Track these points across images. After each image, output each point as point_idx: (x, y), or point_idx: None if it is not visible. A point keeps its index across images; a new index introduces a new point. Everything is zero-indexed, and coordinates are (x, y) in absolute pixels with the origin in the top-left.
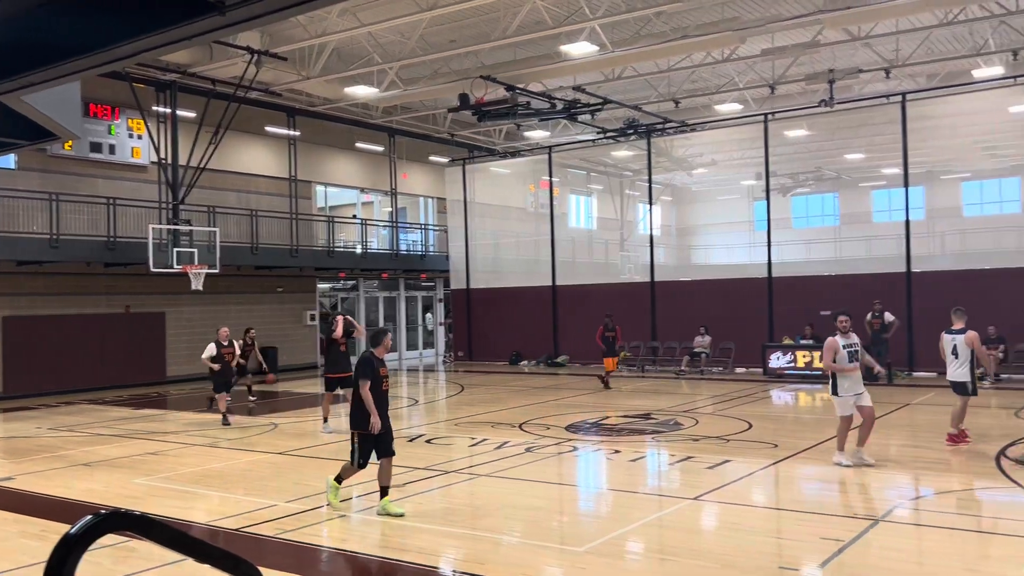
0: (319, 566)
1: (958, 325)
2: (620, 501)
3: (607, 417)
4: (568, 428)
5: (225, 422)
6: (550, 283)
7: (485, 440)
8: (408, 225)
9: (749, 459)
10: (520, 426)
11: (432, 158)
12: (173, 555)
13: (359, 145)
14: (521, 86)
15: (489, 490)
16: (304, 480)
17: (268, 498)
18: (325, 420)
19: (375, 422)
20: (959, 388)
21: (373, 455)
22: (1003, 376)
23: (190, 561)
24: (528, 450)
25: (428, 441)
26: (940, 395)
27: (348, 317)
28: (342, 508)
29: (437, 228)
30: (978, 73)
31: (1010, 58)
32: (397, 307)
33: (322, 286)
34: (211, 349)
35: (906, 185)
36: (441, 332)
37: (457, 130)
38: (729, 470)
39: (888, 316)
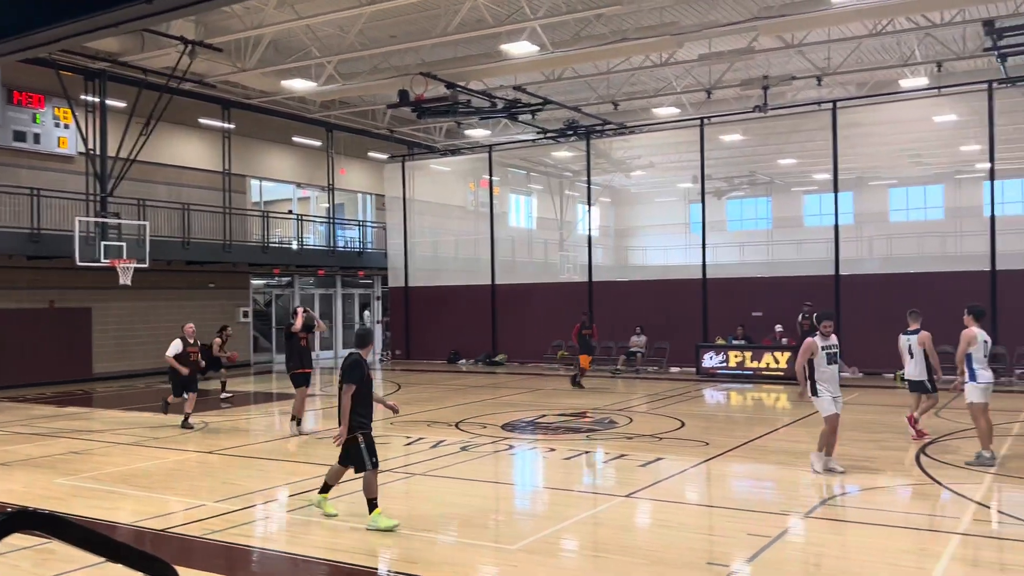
0: (250, 567)
1: (913, 326)
2: (554, 499)
3: (543, 416)
4: (504, 427)
5: (186, 424)
6: (489, 282)
7: (421, 439)
8: (346, 221)
9: (681, 457)
10: (456, 425)
11: (371, 154)
12: (95, 557)
13: (296, 139)
14: (462, 84)
15: (424, 489)
16: (234, 479)
17: (197, 498)
18: (298, 421)
19: (341, 433)
20: (917, 386)
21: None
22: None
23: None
24: (463, 449)
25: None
26: (865, 395)
27: (308, 311)
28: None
29: (375, 225)
30: (905, 83)
31: (934, 69)
32: (334, 305)
33: (256, 282)
34: (176, 346)
35: (835, 190)
36: (379, 330)
37: (397, 127)
38: (661, 468)
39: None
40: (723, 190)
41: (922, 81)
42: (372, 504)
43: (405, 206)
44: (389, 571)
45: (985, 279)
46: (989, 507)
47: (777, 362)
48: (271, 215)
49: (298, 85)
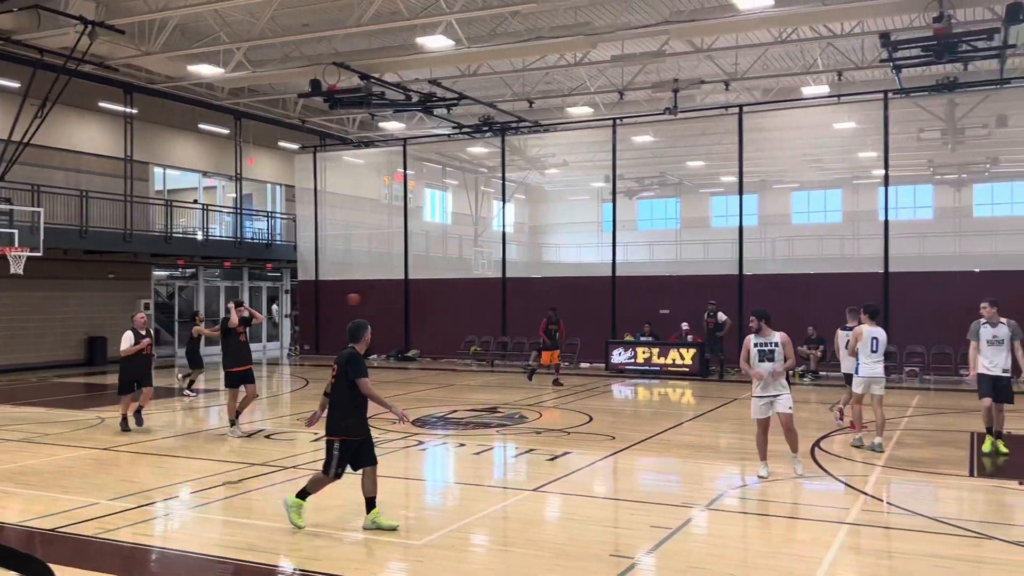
0: (146, 566)
1: (852, 323)
2: (463, 494)
3: (454, 411)
4: (415, 422)
5: (125, 427)
6: (402, 276)
7: (238, 425)
8: (254, 212)
9: (588, 451)
10: None
11: (281, 144)
12: None
13: (203, 127)
14: (376, 76)
15: (330, 486)
16: (131, 477)
17: (90, 496)
18: (232, 423)
19: (402, 414)
20: (851, 380)
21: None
22: (822, 374)
23: None
24: None
25: (268, 436)
26: None
27: (245, 307)
28: (307, 525)
29: (285, 216)
30: (807, 90)
31: (835, 78)
32: (240, 298)
33: (159, 273)
34: (128, 339)
35: (740, 193)
36: (287, 324)
37: (308, 116)
38: (569, 462)
39: (721, 316)
40: (634, 190)
41: (823, 89)
42: (303, 495)
43: (316, 198)
44: (295, 569)
45: (879, 280)
46: (878, 498)
47: (683, 358)
48: (175, 204)
49: (205, 71)
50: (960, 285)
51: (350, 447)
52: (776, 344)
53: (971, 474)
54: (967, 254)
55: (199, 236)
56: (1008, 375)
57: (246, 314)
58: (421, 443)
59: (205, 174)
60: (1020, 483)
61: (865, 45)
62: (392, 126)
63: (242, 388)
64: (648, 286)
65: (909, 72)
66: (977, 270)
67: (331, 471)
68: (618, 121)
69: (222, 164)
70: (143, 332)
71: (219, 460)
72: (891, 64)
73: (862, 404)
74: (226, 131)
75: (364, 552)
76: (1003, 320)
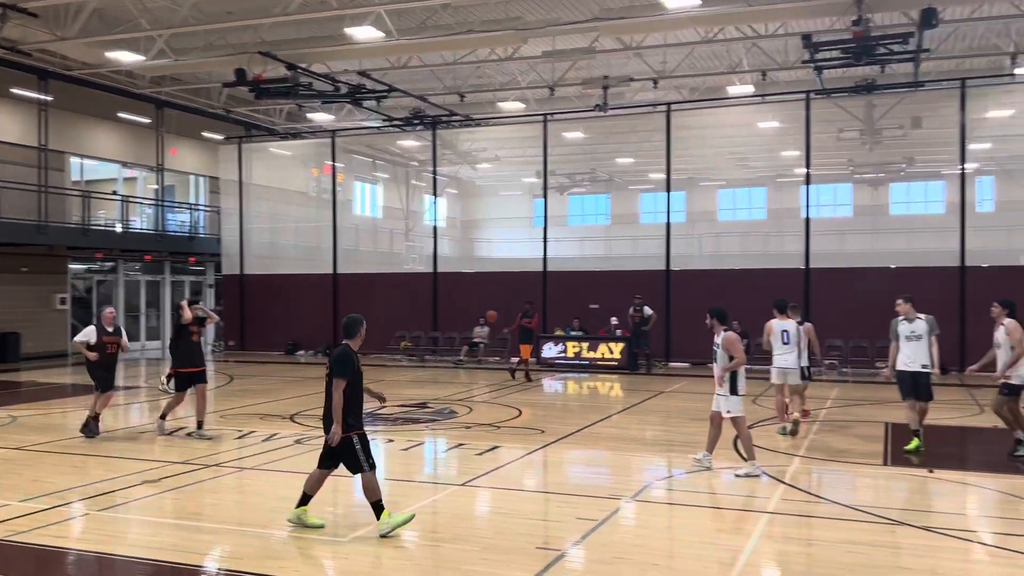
0: (62, 569)
1: (796, 318)
2: (392, 489)
3: (383, 407)
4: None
5: (90, 431)
6: (331, 271)
7: (253, 432)
8: (176, 204)
9: (517, 445)
10: (291, 417)
11: (205, 134)
12: None
13: (122, 115)
14: (303, 66)
15: (255, 484)
16: (43, 477)
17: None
18: (164, 416)
19: (335, 433)
20: (793, 374)
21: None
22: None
23: None
24: (298, 442)
25: (189, 434)
26: (692, 384)
27: (201, 306)
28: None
29: (209, 209)
30: (733, 90)
31: (760, 78)
32: (162, 292)
33: (75, 267)
34: (88, 334)
35: (668, 190)
36: None
37: (233, 106)
38: (498, 456)
39: (648, 310)
40: (565, 186)
41: (748, 89)
42: (378, 507)
43: (241, 190)
44: (218, 569)
45: (800, 276)
46: (797, 487)
47: (612, 352)
48: (93, 195)
49: (125, 58)
50: (877, 281)
51: (364, 437)
52: (717, 345)
53: (885, 463)
54: (883, 251)
55: (118, 228)
56: (927, 370)
57: (201, 313)
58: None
59: (125, 164)
60: (930, 471)
61: (788, 46)
62: (321, 117)
63: (190, 390)
64: (578, 281)
65: (830, 73)
66: (893, 266)
67: (366, 466)
68: (549, 117)
69: (143, 154)
70: (110, 329)
71: (138, 459)
72: (813, 65)
73: (783, 394)
74: (147, 120)
75: (289, 550)
76: (920, 315)
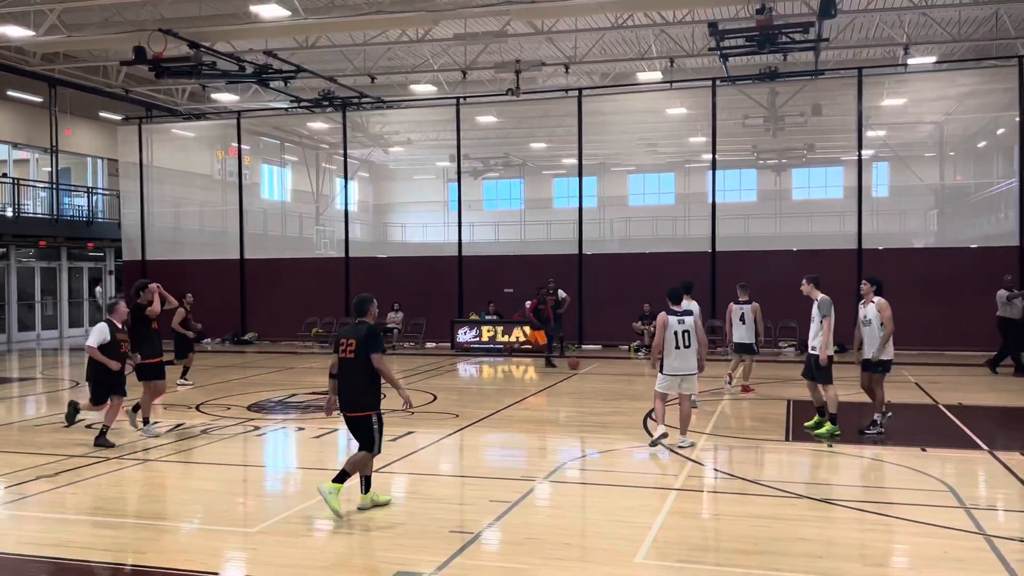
0: None
1: (743, 298)
2: (302, 478)
3: (294, 395)
4: (251, 407)
5: (106, 442)
6: (238, 256)
7: (155, 423)
8: (73, 188)
9: (432, 430)
10: (197, 407)
11: (103, 114)
12: None
13: (12, 94)
14: (206, 45)
15: (159, 475)
16: None
17: None
18: (147, 421)
19: (407, 398)
20: (745, 349)
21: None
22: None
23: None
24: (204, 432)
25: (88, 426)
26: (604, 365)
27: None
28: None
29: (108, 192)
30: (642, 76)
31: (668, 64)
32: (58, 279)
33: None
34: (101, 333)
35: (580, 175)
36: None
37: (133, 86)
38: (412, 441)
39: (561, 293)
40: (479, 170)
41: (657, 75)
42: (344, 477)
43: (143, 172)
44: (117, 564)
45: (707, 259)
46: (704, 464)
47: (526, 336)
48: None
49: (13, 33)
50: (779, 263)
51: (382, 418)
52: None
53: (787, 439)
54: (786, 234)
55: (9, 213)
56: (815, 352)
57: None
58: (258, 428)
59: (16, 146)
60: (829, 445)
61: (696, 34)
62: (225, 98)
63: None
64: (493, 265)
65: (735, 61)
66: (795, 249)
67: (378, 447)
68: (462, 100)
69: (35, 135)
70: (120, 326)
71: (33, 453)
72: (719, 53)
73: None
74: (39, 99)
75: (196, 542)
76: (816, 297)
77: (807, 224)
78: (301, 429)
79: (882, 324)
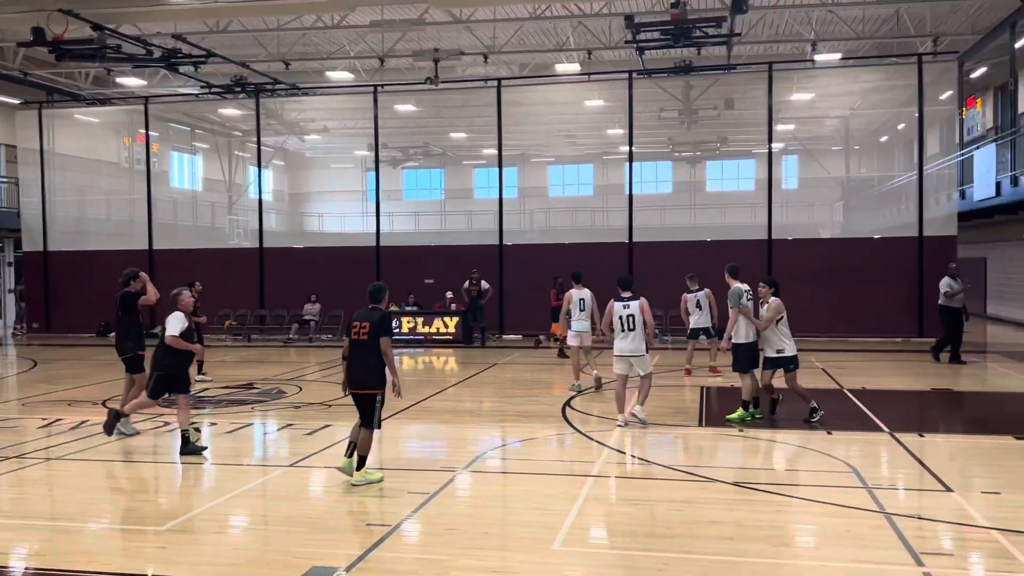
0: None
1: (695, 287)
2: (214, 474)
3: (205, 389)
4: (160, 403)
5: (193, 447)
6: (146, 247)
7: (59, 420)
8: None
9: (349, 423)
10: (103, 403)
11: (0, 98)
12: None
13: None
14: (111, 26)
15: (64, 475)
16: None
17: None
18: (120, 416)
19: (398, 384)
20: (705, 332)
21: None
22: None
23: None
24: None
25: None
26: (525, 355)
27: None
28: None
29: (6, 180)
30: (560, 67)
31: (586, 56)
32: None
33: None
34: (181, 321)
35: (500, 165)
36: (11, 300)
37: (32, 68)
38: (329, 434)
39: (484, 284)
40: (399, 160)
41: (575, 67)
42: (363, 461)
43: (43, 159)
44: (23, 568)
45: (624, 250)
46: (620, 450)
47: (447, 327)
48: None
49: None
50: (694, 253)
51: (383, 400)
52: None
53: (700, 424)
54: (700, 225)
55: None
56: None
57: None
58: (168, 424)
59: None
60: (741, 431)
61: (612, 26)
62: (132, 82)
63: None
64: (413, 256)
65: (651, 54)
66: (708, 240)
67: (377, 423)
68: (379, 88)
69: None
70: (192, 310)
71: None
72: (635, 46)
73: (578, 354)
74: None
75: (102, 542)
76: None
77: (720, 215)
78: (213, 424)
79: (778, 320)
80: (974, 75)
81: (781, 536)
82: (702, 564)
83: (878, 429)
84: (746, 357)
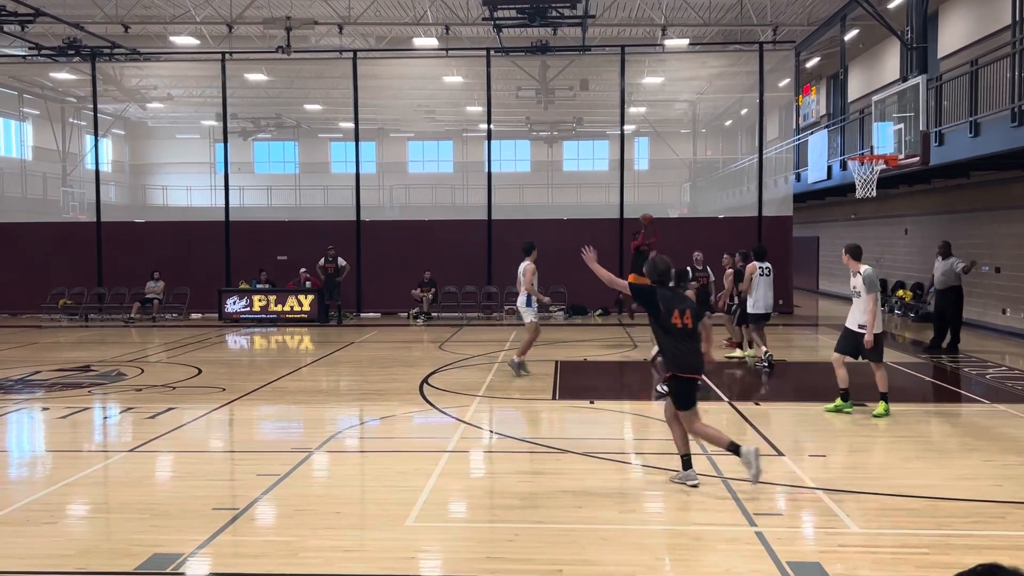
0: None
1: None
2: (43, 462)
3: (37, 372)
4: None
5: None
6: None
7: None
8: None
9: (195, 405)
10: None
11: None
12: None
13: None
14: None
15: None
16: None
17: None
18: None
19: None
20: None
21: None
22: (434, 315)
23: None
24: None
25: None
26: (382, 333)
27: None
28: None
29: None
30: (418, 41)
31: (444, 32)
32: None
33: None
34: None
35: (356, 139)
36: None
37: None
38: (172, 418)
39: (341, 261)
40: (250, 131)
41: (433, 42)
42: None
43: None
44: None
45: (483, 227)
46: (476, 425)
47: (301, 305)
48: None
49: None
50: (551, 231)
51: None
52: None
53: (554, 398)
54: (557, 204)
55: None
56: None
57: None
58: None
59: None
60: (592, 403)
61: (471, 3)
62: None
63: None
64: (265, 231)
65: (509, 33)
66: (565, 218)
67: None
68: (228, 56)
69: None
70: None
71: None
72: (492, 23)
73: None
74: None
75: None
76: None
77: (576, 195)
78: (46, 409)
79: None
80: (809, 64)
81: (627, 503)
82: (552, 532)
83: (719, 399)
84: (882, 346)
